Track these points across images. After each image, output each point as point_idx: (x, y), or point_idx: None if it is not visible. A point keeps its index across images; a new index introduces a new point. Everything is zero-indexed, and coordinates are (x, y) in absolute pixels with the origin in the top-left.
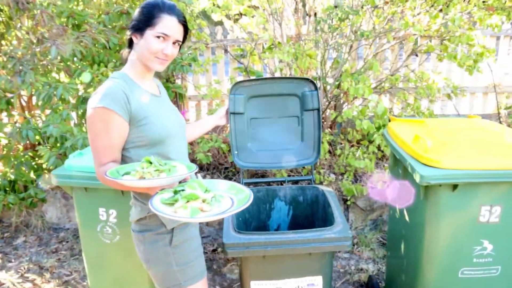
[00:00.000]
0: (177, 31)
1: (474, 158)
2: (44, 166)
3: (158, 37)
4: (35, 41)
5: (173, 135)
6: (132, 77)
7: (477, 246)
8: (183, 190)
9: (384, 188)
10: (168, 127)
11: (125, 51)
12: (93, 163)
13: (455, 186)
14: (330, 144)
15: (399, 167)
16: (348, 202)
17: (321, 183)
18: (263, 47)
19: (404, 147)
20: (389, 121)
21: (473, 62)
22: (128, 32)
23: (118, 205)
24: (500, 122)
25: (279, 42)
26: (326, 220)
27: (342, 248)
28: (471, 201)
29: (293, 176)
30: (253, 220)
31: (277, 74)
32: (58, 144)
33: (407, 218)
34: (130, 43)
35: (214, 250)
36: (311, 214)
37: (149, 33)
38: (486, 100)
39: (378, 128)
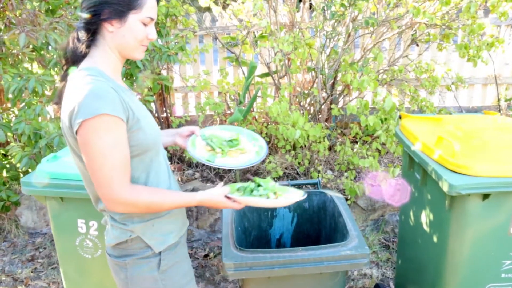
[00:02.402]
0: (156, 10)
1: (507, 163)
2: (18, 165)
3: (144, 21)
4: (2, 27)
5: (159, 139)
6: (106, 73)
7: (506, 260)
8: (259, 186)
9: (391, 189)
10: (156, 130)
11: (81, 45)
12: (66, 169)
13: (485, 196)
14: (328, 138)
15: (417, 171)
16: (348, 202)
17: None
18: (254, 35)
19: (425, 149)
20: (400, 117)
21: (477, 52)
22: (93, 20)
23: (99, 216)
24: (500, 115)
25: (272, 31)
26: (336, 230)
27: (358, 267)
28: (502, 211)
29: (291, 175)
30: (253, 229)
31: (273, 66)
32: (33, 142)
33: (425, 227)
34: (94, 32)
35: (206, 256)
36: (317, 222)
37: (134, 17)
38: (485, 92)
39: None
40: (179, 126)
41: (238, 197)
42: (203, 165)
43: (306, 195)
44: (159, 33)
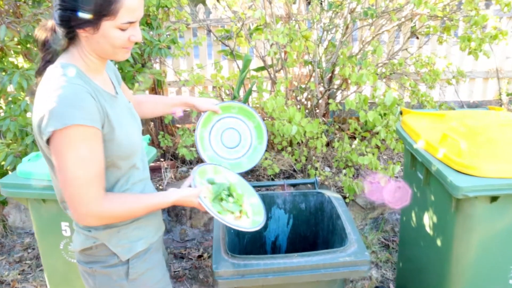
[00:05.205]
0: (141, 8)
1: None
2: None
3: (121, 28)
4: None
5: (138, 146)
6: (85, 72)
7: None
8: (228, 195)
9: (391, 189)
10: (134, 139)
11: (59, 40)
12: (48, 169)
13: (494, 198)
14: (325, 134)
15: (420, 170)
16: (347, 200)
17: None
18: (249, 28)
19: (428, 148)
20: (401, 113)
21: (479, 44)
22: (64, 27)
23: None
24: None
25: (268, 23)
26: (334, 232)
27: (358, 274)
28: (511, 215)
29: (288, 172)
30: (247, 232)
31: (269, 59)
32: (19, 139)
33: (428, 229)
34: (70, 31)
35: (199, 256)
36: (314, 224)
37: (108, 24)
38: (486, 86)
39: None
40: (172, 121)
41: (205, 205)
42: (198, 162)
43: (260, 227)
44: (150, 25)
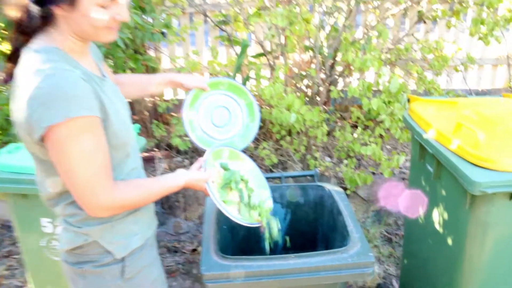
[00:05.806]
0: None
1: None
2: None
3: (102, 4)
4: None
5: (131, 133)
6: (70, 54)
7: None
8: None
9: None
10: (127, 123)
11: (34, 20)
12: (29, 162)
13: None
14: (326, 123)
15: (430, 162)
16: (348, 191)
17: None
18: (247, 13)
19: (440, 138)
20: (408, 101)
21: (491, 29)
22: (38, 4)
23: None
24: None
25: (267, 6)
26: (334, 229)
27: (361, 278)
28: None
29: (287, 163)
30: (241, 228)
31: (268, 43)
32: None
33: (437, 226)
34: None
35: (194, 250)
36: (314, 219)
37: (87, 1)
38: (496, 73)
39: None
40: (167, 110)
41: (211, 191)
42: (193, 151)
43: (259, 225)
44: (143, 10)
